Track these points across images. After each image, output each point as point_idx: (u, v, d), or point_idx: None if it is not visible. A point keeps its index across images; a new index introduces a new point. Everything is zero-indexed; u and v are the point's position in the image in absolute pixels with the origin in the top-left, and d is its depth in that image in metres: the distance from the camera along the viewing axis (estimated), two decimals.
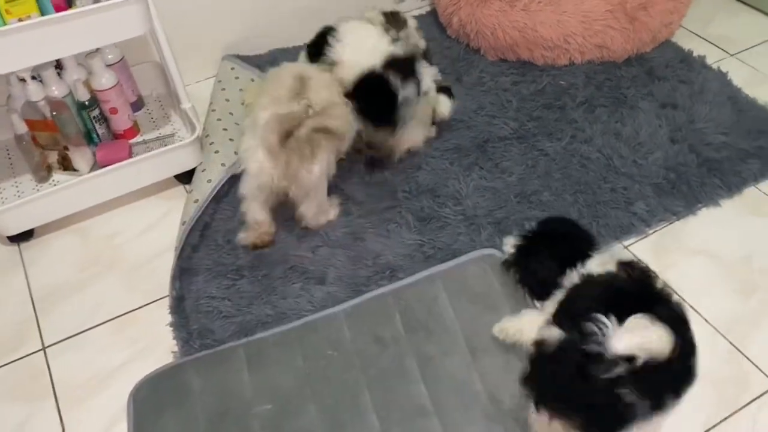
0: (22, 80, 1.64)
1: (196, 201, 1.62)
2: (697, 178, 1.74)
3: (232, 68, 2.08)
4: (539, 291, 1.37)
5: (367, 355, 1.40)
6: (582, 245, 1.35)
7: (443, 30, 2.23)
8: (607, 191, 1.71)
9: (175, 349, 1.44)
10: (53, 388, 1.40)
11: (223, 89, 1.99)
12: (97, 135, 1.78)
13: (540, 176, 1.76)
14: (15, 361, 1.45)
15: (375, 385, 1.36)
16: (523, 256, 1.40)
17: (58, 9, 1.40)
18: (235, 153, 1.74)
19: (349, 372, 1.38)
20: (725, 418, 1.31)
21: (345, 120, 1.54)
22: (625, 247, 1.62)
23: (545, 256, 1.36)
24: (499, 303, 1.46)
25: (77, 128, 1.72)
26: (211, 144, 1.76)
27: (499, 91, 2.01)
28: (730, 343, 1.43)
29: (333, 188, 1.69)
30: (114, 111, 1.75)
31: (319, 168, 1.49)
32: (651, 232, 1.64)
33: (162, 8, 1.58)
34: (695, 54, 2.11)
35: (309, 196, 1.56)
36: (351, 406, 1.33)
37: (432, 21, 2.29)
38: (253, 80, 2.05)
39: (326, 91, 1.51)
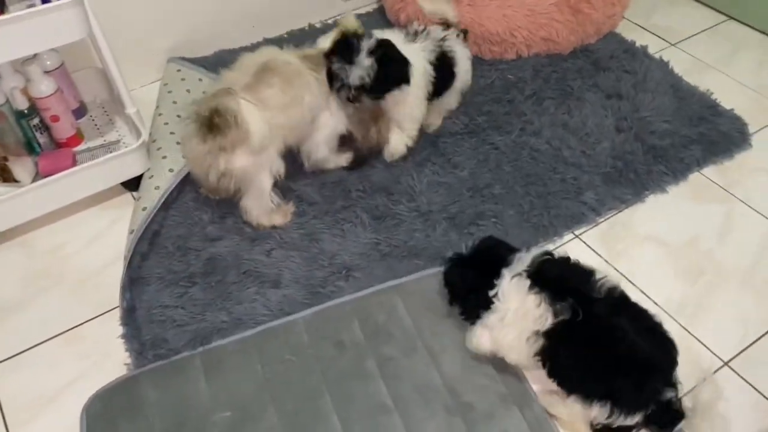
0: None
1: (144, 209, 1.58)
2: (644, 166, 1.78)
3: (178, 70, 2.04)
4: (467, 311, 1.37)
5: (326, 359, 1.40)
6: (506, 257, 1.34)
7: (391, 26, 2.21)
8: (557, 182, 1.74)
9: (128, 361, 1.40)
10: (0, 408, 1.35)
11: (170, 92, 1.94)
12: (39, 144, 1.72)
13: (491, 170, 1.77)
14: None
15: (335, 387, 1.35)
16: (454, 278, 1.40)
17: None
18: (183, 157, 1.71)
19: (309, 376, 1.37)
20: (678, 399, 1.35)
21: (268, 106, 1.48)
22: (577, 236, 1.64)
23: (472, 279, 1.34)
24: (454, 311, 1.44)
25: (16, 138, 1.66)
26: (158, 149, 1.72)
27: None
28: (681, 325, 1.46)
29: (285, 190, 1.68)
30: (55, 119, 1.69)
31: (242, 159, 1.46)
32: (601, 220, 1.68)
33: (103, 12, 1.53)
34: (638, 44, 2.16)
35: (246, 191, 1.54)
36: (312, 409, 1.32)
37: (380, 17, 2.29)
38: (200, 80, 2.01)
39: (280, 80, 1.49)
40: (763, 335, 1.44)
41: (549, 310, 1.20)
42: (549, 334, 1.21)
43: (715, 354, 1.42)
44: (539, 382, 1.34)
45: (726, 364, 1.40)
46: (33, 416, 1.33)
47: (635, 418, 1.17)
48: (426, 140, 1.85)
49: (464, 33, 1.77)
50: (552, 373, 1.25)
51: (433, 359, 1.39)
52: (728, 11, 2.32)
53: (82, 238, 1.66)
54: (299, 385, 1.35)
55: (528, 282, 1.24)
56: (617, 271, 1.57)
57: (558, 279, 1.24)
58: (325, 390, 1.35)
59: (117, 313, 1.49)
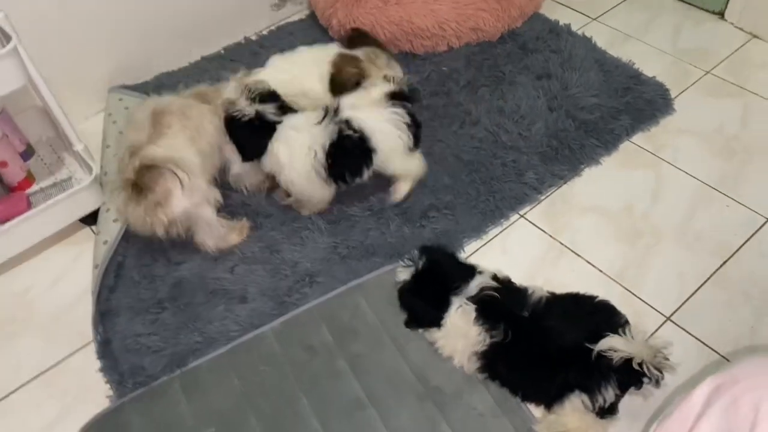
0: None
1: (106, 242, 1.62)
2: (577, 141, 1.88)
3: (120, 99, 2.06)
4: (418, 322, 1.49)
5: (298, 364, 1.47)
6: (454, 281, 1.44)
7: (325, 32, 2.28)
8: (499, 166, 1.83)
9: (110, 393, 1.45)
10: None
11: (115, 122, 1.97)
12: None
13: (437, 162, 1.85)
14: None
15: (310, 390, 1.43)
16: (407, 295, 1.48)
17: None
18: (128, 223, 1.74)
19: (284, 382, 1.44)
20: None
21: (178, 145, 1.57)
22: (522, 216, 1.74)
23: (422, 299, 1.45)
24: None
25: None
26: (112, 182, 1.75)
27: None
28: (624, 287, 1.58)
29: (239, 206, 1.73)
30: (4, 165, 1.71)
31: (176, 206, 1.52)
32: (542, 198, 1.78)
33: (35, 51, 1.55)
34: (561, 23, 2.26)
35: (196, 228, 1.60)
36: (291, 413, 1.39)
37: (312, 24, 2.34)
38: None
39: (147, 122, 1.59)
40: (699, 287, 1.56)
41: (486, 336, 1.34)
42: (485, 354, 1.36)
43: (657, 311, 1.53)
44: None
45: (668, 318, 1.52)
46: None
47: (609, 393, 1.26)
48: None
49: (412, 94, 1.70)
50: (504, 384, 1.39)
51: (400, 350, 1.48)
52: None
53: (47, 278, 1.69)
54: (276, 393, 1.42)
55: (473, 312, 1.36)
56: (562, 244, 1.67)
57: (494, 305, 1.37)
58: (302, 394, 1.42)
59: (92, 348, 1.53)
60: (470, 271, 1.43)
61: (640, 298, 1.56)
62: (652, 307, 1.54)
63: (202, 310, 1.56)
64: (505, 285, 1.42)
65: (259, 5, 2.32)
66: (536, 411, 1.38)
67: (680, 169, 1.82)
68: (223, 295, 1.59)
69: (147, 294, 1.60)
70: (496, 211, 1.73)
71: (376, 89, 1.65)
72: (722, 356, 1.44)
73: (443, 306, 1.39)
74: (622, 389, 1.28)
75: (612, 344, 1.24)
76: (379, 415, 1.38)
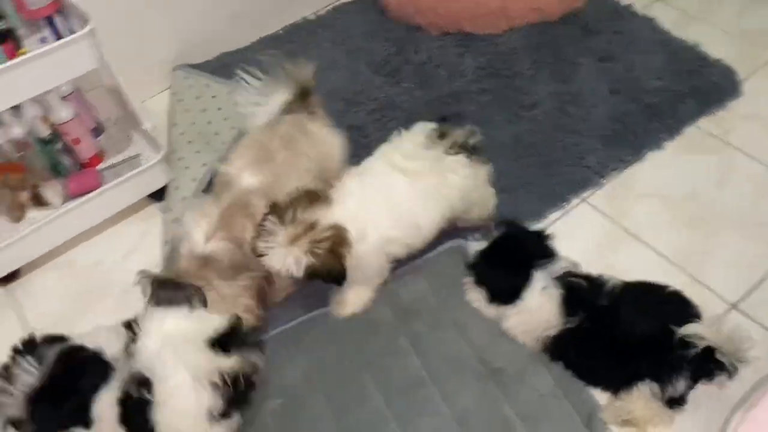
0: None
1: (175, 220, 1.67)
2: (640, 125, 1.85)
3: (186, 77, 2.11)
4: (494, 295, 1.48)
5: (361, 341, 1.50)
6: (535, 256, 1.43)
7: (382, 13, 2.28)
8: (560, 149, 1.82)
9: None
10: None
11: (180, 100, 2.02)
12: (64, 167, 1.81)
13: (495, 145, 1.84)
14: None
15: (373, 366, 1.46)
16: (483, 266, 1.48)
17: (9, 55, 1.42)
18: (204, 164, 1.80)
19: (348, 358, 1.48)
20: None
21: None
22: (584, 200, 1.73)
23: (502, 268, 1.45)
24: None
25: (43, 164, 1.75)
26: (179, 160, 1.81)
27: (447, 66, 2.08)
28: (687, 274, 1.56)
29: None
30: (77, 141, 1.78)
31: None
32: (605, 182, 1.76)
33: (103, 30, 1.58)
34: (624, 3, 2.21)
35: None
36: (354, 388, 1.43)
37: (370, 4, 2.34)
38: (208, 86, 2.07)
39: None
40: (766, 277, 1.54)
41: (563, 321, 1.35)
42: (556, 338, 1.37)
43: (722, 298, 1.52)
44: None
45: (733, 306, 1.50)
46: None
47: (680, 383, 1.27)
48: (430, 119, 1.92)
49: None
50: (569, 367, 1.40)
51: (461, 331, 1.50)
52: None
53: (119, 252, 1.76)
54: (340, 368, 1.46)
55: (558, 297, 1.36)
56: (622, 227, 1.66)
57: (577, 292, 1.37)
58: (365, 370, 1.45)
59: None
60: (550, 250, 1.43)
61: (705, 285, 1.54)
62: (716, 294, 1.53)
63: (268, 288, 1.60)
64: (584, 275, 1.41)
65: None
66: (600, 396, 1.39)
67: (747, 155, 1.78)
68: None
69: None
70: (557, 195, 1.73)
71: None
72: None
73: (524, 280, 1.39)
74: (694, 380, 1.28)
75: (698, 331, 1.24)
76: (440, 394, 1.41)
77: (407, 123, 1.90)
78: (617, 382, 1.33)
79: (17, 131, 1.69)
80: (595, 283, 1.39)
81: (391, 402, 1.41)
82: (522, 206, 1.70)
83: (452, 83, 2.03)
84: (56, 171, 1.80)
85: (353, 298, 1.53)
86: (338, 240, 1.31)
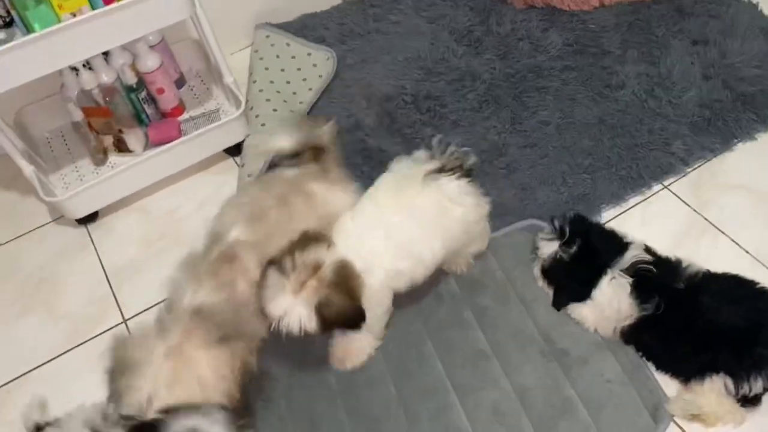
0: (74, 69, 1.71)
1: (250, 175, 1.69)
2: (732, 114, 1.77)
3: (267, 36, 2.12)
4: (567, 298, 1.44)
5: (426, 309, 1.50)
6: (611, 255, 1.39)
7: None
8: (645, 133, 1.75)
9: None
10: None
11: (261, 58, 2.03)
12: (147, 116, 1.85)
13: (577, 123, 1.80)
14: (99, 335, 1.57)
15: (436, 335, 1.46)
16: (558, 269, 1.43)
17: (106, 1, 1.45)
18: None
19: (412, 325, 1.48)
20: None
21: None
22: (665, 187, 1.67)
23: (578, 271, 1.40)
24: None
25: (128, 111, 1.79)
26: (256, 117, 1.83)
27: (531, 40, 2.03)
28: None
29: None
30: (161, 91, 1.82)
31: None
32: (689, 170, 1.69)
33: None
34: None
35: None
36: (416, 354, 1.44)
37: None
38: (288, 45, 2.08)
39: None
40: None
41: (637, 309, 1.31)
42: (631, 326, 1.33)
43: None
44: None
45: None
46: None
47: (758, 383, 1.22)
48: (509, 96, 1.89)
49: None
50: (640, 350, 1.36)
51: (527, 308, 1.48)
52: None
53: (193, 202, 1.80)
54: (403, 335, 1.46)
55: (627, 286, 1.32)
56: (704, 218, 1.60)
57: (648, 279, 1.33)
58: (428, 338, 1.45)
59: None
60: (621, 242, 1.40)
61: None
62: None
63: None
64: (656, 256, 1.37)
65: None
66: (667, 388, 1.34)
67: None
68: None
69: None
70: (639, 180, 1.67)
71: None
72: None
73: (595, 282, 1.36)
74: None
75: None
76: (502, 368, 1.40)
77: (486, 95, 1.91)
78: (690, 371, 1.28)
79: (106, 77, 1.74)
80: (667, 265, 1.34)
81: (452, 373, 1.40)
82: (602, 188, 1.65)
83: (535, 58, 1.98)
84: (139, 119, 1.85)
85: (358, 348, 1.42)
86: (348, 274, 1.20)
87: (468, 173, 1.35)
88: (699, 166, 1.70)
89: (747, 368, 1.21)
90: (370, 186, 1.38)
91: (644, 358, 1.37)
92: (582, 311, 1.41)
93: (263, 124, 1.80)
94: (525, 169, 1.72)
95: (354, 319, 1.21)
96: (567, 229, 1.41)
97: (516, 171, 1.72)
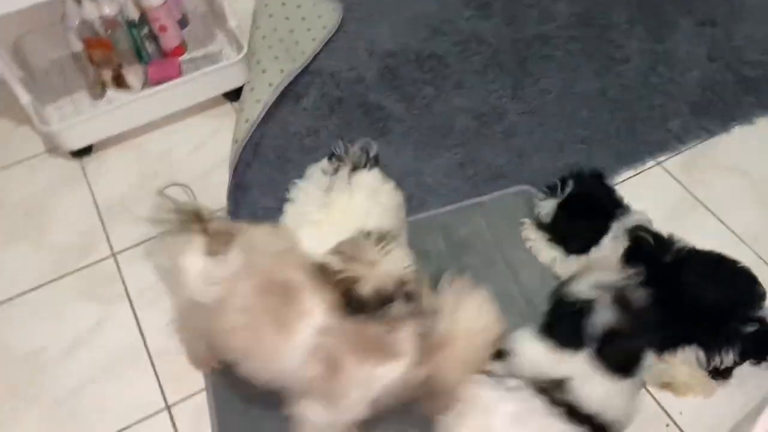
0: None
1: (247, 120, 1.69)
2: (733, 96, 1.77)
3: None
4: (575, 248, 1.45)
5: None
6: (609, 208, 1.41)
7: None
8: (644, 108, 1.76)
9: None
10: (126, 290, 1.53)
11: (266, 5, 2.00)
12: (147, 53, 1.83)
13: (578, 94, 1.80)
14: (88, 266, 1.58)
15: None
16: (562, 220, 1.44)
17: None
18: (281, 71, 1.80)
19: None
20: None
21: None
22: (659, 164, 1.68)
23: (583, 220, 1.42)
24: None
25: (129, 46, 1.77)
26: (257, 63, 1.81)
27: (540, 8, 2.01)
28: (757, 254, 1.51)
29: None
30: (163, 29, 1.79)
31: None
32: (684, 149, 1.70)
33: None
34: None
35: None
36: None
37: None
38: None
39: None
40: None
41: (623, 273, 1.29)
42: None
43: None
44: None
45: None
46: (156, 299, 1.49)
47: (728, 356, 1.24)
48: (513, 62, 1.88)
49: None
50: None
51: (512, 272, 1.49)
52: None
53: (189, 144, 1.79)
54: None
55: (622, 247, 1.34)
56: (695, 197, 1.61)
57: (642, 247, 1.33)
58: None
59: (222, 215, 1.62)
60: (623, 204, 1.41)
61: None
62: None
63: None
64: (653, 230, 1.38)
65: None
66: None
67: None
68: None
69: (279, 174, 1.67)
70: (634, 154, 1.68)
71: None
72: None
73: (604, 230, 1.36)
74: (743, 358, 1.26)
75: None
76: None
77: (490, 60, 1.90)
78: (665, 342, 1.31)
79: (109, 9, 1.71)
80: (663, 241, 1.35)
81: None
82: (597, 160, 1.65)
83: (542, 26, 1.97)
84: (140, 56, 1.82)
85: None
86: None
87: (376, 162, 1.38)
88: (694, 146, 1.71)
89: (720, 342, 1.24)
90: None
91: None
92: (571, 262, 1.42)
93: (264, 71, 1.79)
94: (522, 135, 1.72)
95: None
96: (571, 183, 1.42)
97: (513, 137, 1.73)
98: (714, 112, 1.75)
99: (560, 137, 1.71)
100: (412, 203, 1.60)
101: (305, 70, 1.88)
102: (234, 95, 1.84)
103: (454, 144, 1.72)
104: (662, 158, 1.69)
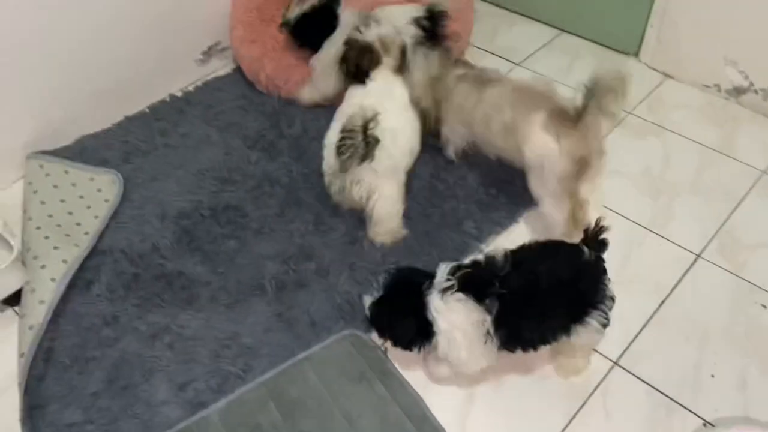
0: None
1: (32, 327, 1.51)
2: (513, 188, 1.89)
3: (41, 165, 1.95)
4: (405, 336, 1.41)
5: None
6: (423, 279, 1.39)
7: (252, 86, 2.24)
8: (438, 215, 1.84)
9: None
10: None
11: (35, 192, 1.86)
12: None
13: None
14: None
15: None
16: (381, 314, 1.40)
17: None
18: (64, 261, 1.65)
19: None
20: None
21: None
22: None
23: (398, 304, 1.38)
24: (368, 374, 1.50)
25: None
26: (35, 258, 1.65)
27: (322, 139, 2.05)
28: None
29: (174, 276, 1.66)
30: None
31: None
32: (484, 246, 1.78)
33: None
34: (489, 68, 2.30)
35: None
36: None
37: (239, 78, 2.29)
38: (67, 172, 1.93)
39: None
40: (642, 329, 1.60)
41: (484, 311, 1.30)
42: (497, 324, 1.31)
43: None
44: None
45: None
46: None
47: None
48: (311, 196, 1.89)
49: None
50: (525, 344, 1.37)
51: (351, 425, 1.42)
52: (561, 25, 2.52)
53: None
54: None
55: (460, 297, 1.31)
56: None
57: (473, 280, 1.33)
58: None
59: None
60: (428, 272, 1.39)
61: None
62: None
63: (142, 392, 1.47)
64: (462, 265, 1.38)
65: (182, 61, 2.27)
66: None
67: (613, 211, 1.87)
68: (164, 374, 1.50)
69: (80, 379, 1.49)
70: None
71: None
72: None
73: (421, 310, 1.33)
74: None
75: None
76: None
77: (287, 199, 1.89)
78: (552, 334, 1.36)
79: None
80: (477, 264, 1.36)
81: None
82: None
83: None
84: None
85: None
86: None
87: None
88: (492, 241, 1.80)
89: (595, 305, 1.33)
90: None
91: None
92: (440, 350, 1.36)
93: (43, 266, 1.63)
94: (335, 272, 1.71)
95: None
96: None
97: (327, 275, 1.71)
98: (500, 205, 1.87)
99: (376, 260, 1.73)
100: (237, 373, 1.51)
101: (93, 252, 1.74)
102: (14, 299, 1.65)
103: (267, 296, 1.66)
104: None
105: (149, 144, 2.07)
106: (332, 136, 1.65)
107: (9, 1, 1.76)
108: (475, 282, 1.32)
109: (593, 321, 1.33)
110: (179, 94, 2.26)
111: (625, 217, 1.85)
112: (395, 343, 1.41)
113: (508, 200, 1.88)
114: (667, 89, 2.27)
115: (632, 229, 1.82)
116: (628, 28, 2.34)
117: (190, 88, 2.27)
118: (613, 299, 1.36)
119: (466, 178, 1.93)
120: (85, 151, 2.03)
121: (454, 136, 1.89)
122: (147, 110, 2.20)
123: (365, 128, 1.54)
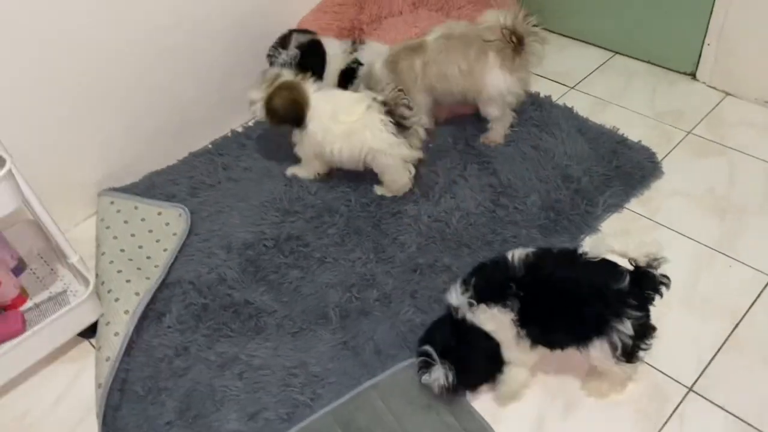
0: None
1: (108, 359, 1.57)
2: (573, 210, 1.89)
3: (112, 202, 2.04)
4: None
5: None
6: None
7: None
8: (499, 242, 1.83)
9: None
10: None
11: (108, 227, 1.94)
12: None
13: (436, 242, 1.85)
14: None
15: None
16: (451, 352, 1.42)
17: None
18: (136, 294, 1.71)
19: None
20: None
21: None
22: None
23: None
24: (435, 402, 1.49)
25: None
26: (109, 292, 1.71)
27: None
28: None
29: (242, 304, 1.70)
30: None
31: None
32: None
33: (23, 162, 1.50)
34: (542, 94, 2.30)
35: None
36: None
37: None
38: (136, 208, 2.01)
39: None
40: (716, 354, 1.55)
41: (509, 313, 1.34)
42: (521, 321, 1.35)
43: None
44: None
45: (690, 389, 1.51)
46: None
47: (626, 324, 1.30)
48: (368, 225, 1.92)
49: None
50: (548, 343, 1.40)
51: None
52: (613, 47, 2.51)
53: (47, 400, 1.62)
54: None
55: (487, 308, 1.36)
56: None
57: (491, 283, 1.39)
58: None
59: None
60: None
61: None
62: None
63: (213, 422, 1.50)
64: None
65: (243, 98, 2.33)
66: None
67: (678, 232, 1.83)
68: (234, 403, 1.53)
69: (154, 409, 1.54)
70: None
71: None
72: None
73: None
74: (642, 307, 1.31)
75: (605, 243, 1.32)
76: None
77: (346, 228, 1.92)
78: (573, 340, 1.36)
79: None
80: (496, 266, 1.40)
81: None
82: None
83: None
84: None
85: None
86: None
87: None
88: None
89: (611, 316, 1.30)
90: None
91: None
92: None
93: (117, 299, 1.69)
94: (396, 301, 1.72)
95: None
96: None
97: (389, 302, 1.72)
98: (561, 229, 1.84)
99: (434, 291, 1.72)
100: (305, 402, 1.53)
101: (163, 285, 1.80)
102: (90, 331, 1.72)
103: (332, 324, 1.69)
104: None
105: (213, 178, 2.14)
106: None
107: (89, 54, 1.89)
108: (492, 285, 1.37)
109: (604, 337, 1.32)
110: (240, 129, 2.34)
111: (690, 238, 1.81)
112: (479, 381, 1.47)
113: (569, 223, 1.86)
114: (728, 107, 2.22)
115: (699, 251, 1.78)
116: (685, 47, 2.31)
117: (250, 123, 2.35)
118: (647, 327, 1.33)
119: (525, 203, 1.92)
120: (153, 187, 2.11)
121: (424, 104, 2.05)
122: (210, 146, 2.28)
123: None
